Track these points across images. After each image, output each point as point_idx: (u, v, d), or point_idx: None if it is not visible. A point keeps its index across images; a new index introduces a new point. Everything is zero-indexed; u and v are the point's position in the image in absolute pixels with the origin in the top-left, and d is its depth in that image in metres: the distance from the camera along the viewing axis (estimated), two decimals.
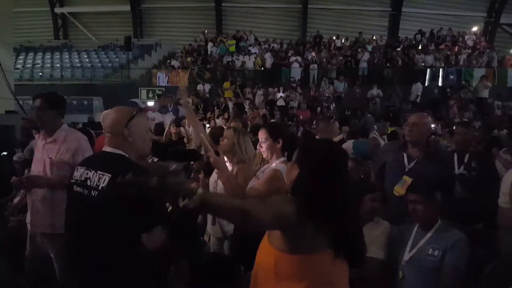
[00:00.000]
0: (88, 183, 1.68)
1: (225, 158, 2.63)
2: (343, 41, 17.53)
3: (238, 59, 16.32)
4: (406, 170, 2.83)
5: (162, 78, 16.20)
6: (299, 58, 16.04)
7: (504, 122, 10.61)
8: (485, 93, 13.08)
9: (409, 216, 2.35)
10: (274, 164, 2.46)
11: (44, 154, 2.63)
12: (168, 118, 10.32)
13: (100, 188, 1.63)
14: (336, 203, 1.36)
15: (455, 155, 3.51)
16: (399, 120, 10.15)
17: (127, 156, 1.74)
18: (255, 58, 16.33)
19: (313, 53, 16.24)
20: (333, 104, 13.10)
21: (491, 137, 6.28)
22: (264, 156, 2.57)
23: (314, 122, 10.95)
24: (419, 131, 2.90)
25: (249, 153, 2.69)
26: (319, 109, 13.02)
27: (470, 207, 3.05)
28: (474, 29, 18.10)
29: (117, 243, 1.58)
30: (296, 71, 15.60)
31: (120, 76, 17.60)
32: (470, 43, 16.74)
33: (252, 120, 9.95)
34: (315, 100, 13.81)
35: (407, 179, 2.73)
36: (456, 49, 15.92)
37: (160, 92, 14.68)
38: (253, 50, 16.94)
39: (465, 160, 3.43)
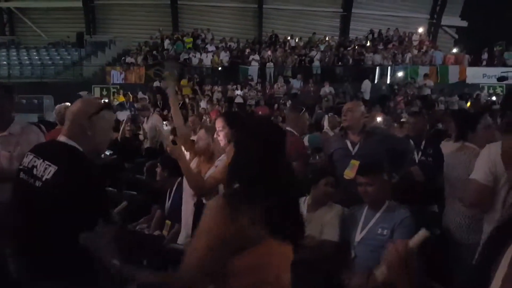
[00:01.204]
0: (34, 171, 1.58)
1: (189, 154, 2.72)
2: (297, 40, 18.05)
3: (195, 57, 16.34)
4: (353, 154, 3.03)
5: (116, 76, 15.84)
6: (257, 57, 16.35)
7: (446, 115, 11.53)
8: (427, 90, 14.06)
9: (359, 198, 2.49)
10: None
11: None
12: (124, 116, 10.21)
13: (44, 179, 1.54)
14: (277, 182, 1.31)
15: (411, 141, 3.69)
16: None
17: (81, 149, 1.63)
18: (212, 56, 16.43)
19: (269, 52, 16.61)
20: (289, 101, 13.48)
21: (435, 130, 6.83)
22: (222, 144, 2.58)
23: (272, 118, 11.35)
24: (352, 116, 3.11)
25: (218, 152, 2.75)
26: (276, 106, 13.37)
27: (428, 191, 3.33)
28: (420, 30, 19.29)
29: (56, 238, 1.48)
30: (253, 70, 15.87)
31: (72, 74, 16.98)
32: (415, 43, 17.83)
33: (212, 116, 10.13)
34: (272, 97, 14.15)
35: (355, 163, 2.89)
36: (401, 49, 16.86)
37: (115, 90, 14.42)
38: (210, 48, 17.02)
39: (421, 147, 3.68)
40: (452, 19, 20.94)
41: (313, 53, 16.35)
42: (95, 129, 1.65)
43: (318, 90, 14.14)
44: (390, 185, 2.54)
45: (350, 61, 16.08)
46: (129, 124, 6.33)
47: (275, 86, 14.87)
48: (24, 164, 1.66)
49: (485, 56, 16.40)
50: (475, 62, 16.34)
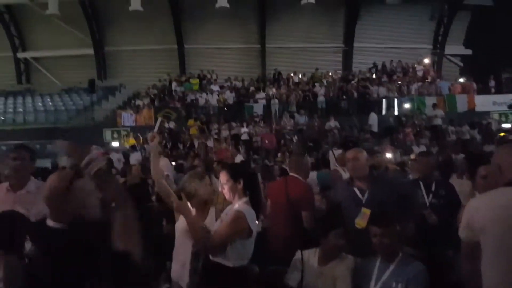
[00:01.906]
0: None
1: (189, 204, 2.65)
2: (300, 76, 18.38)
3: (201, 97, 16.71)
4: (363, 202, 2.98)
5: (127, 118, 16.21)
6: (262, 94, 16.63)
7: (458, 146, 11.34)
8: (437, 120, 13.93)
9: (370, 247, 2.43)
10: (236, 205, 2.46)
11: (14, 206, 2.46)
12: (135, 158, 10.37)
13: None
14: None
15: (421, 184, 3.62)
16: None
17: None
18: (218, 95, 16.78)
19: (274, 89, 16.89)
20: (295, 137, 13.52)
21: (445, 161, 6.66)
22: (227, 197, 2.55)
23: (279, 154, 11.35)
24: (357, 165, 3.10)
25: (204, 195, 2.73)
26: (282, 141, 13.41)
27: (441, 235, 3.23)
28: (426, 61, 19.37)
29: None
30: (258, 107, 16.09)
31: (84, 118, 17.48)
32: (420, 73, 17.91)
33: (219, 155, 10.19)
34: (278, 133, 14.22)
35: (366, 211, 2.86)
36: (406, 80, 16.94)
37: (126, 132, 14.69)
38: (216, 88, 17.42)
39: (433, 189, 3.55)
40: (456, 48, 21.11)
41: (317, 88, 16.56)
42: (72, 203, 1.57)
43: (323, 125, 14.17)
44: (404, 236, 2.50)
45: (355, 94, 16.17)
46: (138, 168, 6.34)
47: (281, 122, 14.99)
48: None
49: (492, 83, 16.36)
50: (483, 90, 16.27)
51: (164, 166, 6.83)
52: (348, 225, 2.81)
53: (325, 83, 17.04)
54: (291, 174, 3.83)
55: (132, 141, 13.42)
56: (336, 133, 13.30)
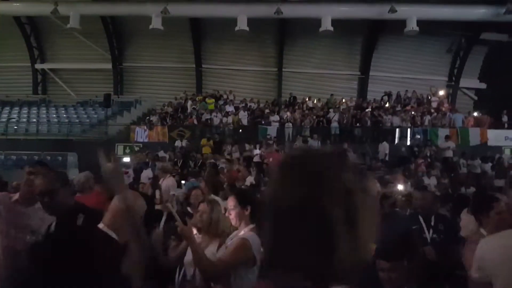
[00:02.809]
0: None
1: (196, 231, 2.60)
2: (315, 101, 18.50)
3: (216, 117, 16.85)
4: None
5: (140, 134, 16.36)
6: (276, 117, 16.72)
7: (469, 179, 11.21)
8: (449, 152, 13.83)
9: (375, 282, 2.36)
10: (242, 232, 2.41)
11: (27, 221, 2.60)
12: (145, 175, 10.32)
13: None
14: None
15: (421, 218, 3.62)
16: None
17: None
18: (233, 116, 16.92)
19: (288, 113, 16.98)
20: None
21: (459, 195, 6.59)
22: (233, 223, 2.52)
23: None
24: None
25: (225, 227, 2.65)
26: None
27: (441, 270, 3.18)
28: (441, 92, 19.41)
29: None
30: (272, 129, 16.15)
31: (97, 132, 17.69)
32: (434, 104, 17.90)
33: (230, 178, 10.15)
34: None
35: (371, 245, 2.83)
36: (421, 111, 16.92)
37: (137, 148, 14.79)
38: (230, 108, 17.59)
39: (432, 223, 3.55)
40: (471, 81, 21.15)
41: (331, 114, 16.61)
42: None
43: None
44: (410, 271, 2.37)
45: (368, 122, 16.17)
46: (148, 186, 6.33)
47: (294, 145, 14.97)
48: None
49: (505, 118, 16.26)
50: (496, 124, 16.16)
51: (170, 186, 6.82)
52: None
53: (339, 109, 17.09)
54: None
55: (142, 157, 13.35)
56: None
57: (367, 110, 17.08)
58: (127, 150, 15.08)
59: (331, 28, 17.07)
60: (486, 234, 2.56)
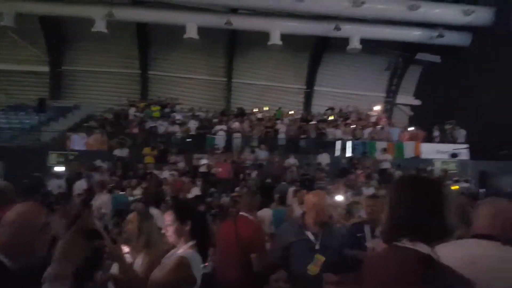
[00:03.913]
0: None
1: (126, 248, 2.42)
2: (263, 113, 18.73)
3: (162, 125, 16.36)
4: (317, 248, 2.86)
5: (77, 141, 15.31)
6: (225, 127, 16.63)
7: None
8: (386, 164, 14.59)
9: None
10: (181, 250, 2.23)
11: None
12: (79, 186, 9.59)
13: None
14: None
15: (366, 227, 3.62)
16: (313, 187, 10.82)
17: None
18: (179, 125, 16.54)
19: (237, 123, 16.97)
20: (255, 171, 13.50)
21: None
22: (171, 240, 2.31)
23: (237, 188, 11.19)
24: (324, 211, 3.01)
25: (155, 238, 2.50)
26: (241, 175, 13.32)
27: None
28: (375, 107, 20.66)
29: None
30: (220, 139, 16.01)
31: (29, 138, 16.31)
32: (373, 119, 18.88)
33: (173, 189, 9.81)
34: (238, 167, 14.13)
35: (320, 258, 2.77)
36: (360, 124, 17.75)
37: (73, 157, 13.86)
38: (178, 116, 17.20)
39: (377, 233, 3.52)
40: (406, 98, 22.66)
41: (279, 125, 16.88)
42: None
43: (282, 161, 14.33)
44: (356, 284, 2.43)
45: (313, 134, 16.64)
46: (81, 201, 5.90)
47: (241, 155, 14.95)
48: None
49: (436, 133, 17.50)
50: (428, 138, 17.35)
51: (103, 204, 6.42)
52: (300, 270, 2.71)
53: (286, 121, 17.43)
54: (241, 213, 3.67)
55: (78, 166, 12.48)
56: (294, 170, 13.45)
57: (312, 122, 17.57)
58: (61, 159, 14.02)
59: (280, 42, 17.45)
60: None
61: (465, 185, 12.96)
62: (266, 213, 6.36)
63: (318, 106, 21.22)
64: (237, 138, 16.22)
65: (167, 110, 17.99)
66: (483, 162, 14.74)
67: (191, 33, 17.07)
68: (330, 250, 2.85)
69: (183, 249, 2.22)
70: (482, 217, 1.92)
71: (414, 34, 18.30)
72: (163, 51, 20.23)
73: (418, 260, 1.33)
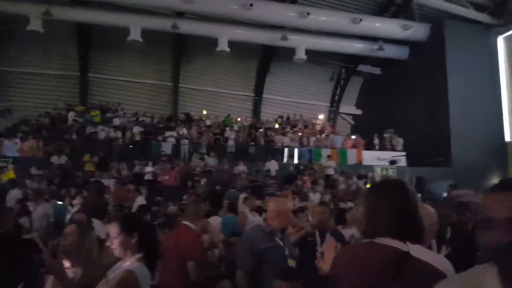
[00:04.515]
0: None
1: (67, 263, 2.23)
2: (212, 120, 18.59)
3: (103, 130, 15.57)
4: (287, 254, 2.89)
5: (9, 147, 14.09)
6: (174, 133, 16.21)
7: (348, 195, 12.33)
8: (330, 170, 15.12)
9: None
10: (127, 263, 2.11)
11: None
12: (13, 196, 8.82)
13: None
14: None
15: (316, 233, 3.68)
16: (263, 194, 10.87)
17: None
18: (123, 130, 15.86)
19: (184, 130, 16.64)
20: (204, 179, 13.28)
21: (339, 209, 7.14)
22: (116, 253, 2.18)
23: (185, 196, 10.93)
24: (289, 217, 3.07)
25: (96, 252, 2.36)
26: (189, 183, 13.05)
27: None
28: (321, 116, 21.41)
29: None
30: (167, 146, 15.58)
31: None
32: (318, 127, 19.53)
33: (117, 199, 9.31)
34: (186, 174, 13.83)
35: (293, 263, 2.84)
36: (307, 132, 18.26)
37: (5, 164, 12.73)
38: (120, 122, 16.49)
39: (326, 238, 3.61)
40: (349, 108, 23.73)
41: (228, 132, 16.83)
42: None
43: (232, 169, 14.27)
44: None
45: (262, 141, 16.81)
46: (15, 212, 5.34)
47: (190, 163, 14.66)
48: None
49: (377, 141, 18.50)
50: (369, 146, 18.29)
51: (42, 214, 5.91)
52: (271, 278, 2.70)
53: (235, 128, 17.43)
54: (183, 222, 3.70)
55: (11, 174, 11.56)
56: (244, 177, 13.44)
57: (260, 130, 17.75)
58: None
59: (228, 49, 17.46)
60: None
61: None
62: (215, 221, 6.27)
63: (267, 114, 21.54)
64: (184, 144, 15.89)
65: (108, 115, 17.16)
66: (419, 168, 15.78)
67: (135, 35, 16.48)
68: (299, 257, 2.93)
69: (130, 262, 2.11)
70: None
71: (356, 47, 19.26)
72: (106, 53, 19.33)
73: (396, 255, 1.42)
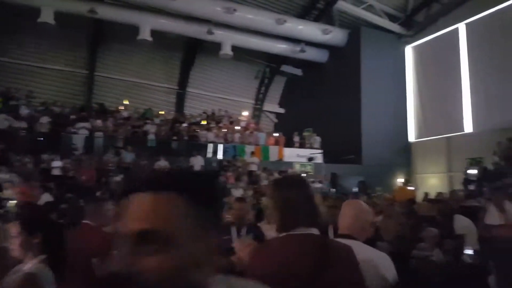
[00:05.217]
0: None
1: None
2: (131, 112, 17.64)
3: (7, 120, 13.83)
4: None
5: None
6: (87, 125, 15.02)
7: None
8: (254, 166, 15.40)
9: None
10: (29, 265, 1.95)
11: None
12: None
13: None
14: None
15: (233, 229, 3.69)
16: None
17: None
18: (29, 120, 14.28)
19: (99, 121, 15.54)
20: (120, 175, 12.56)
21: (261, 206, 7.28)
22: (15, 255, 2.03)
23: (98, 193, 10.20)
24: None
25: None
26: (104, 179, 12.25)
27: None
28: (245, 112, 21.67)
29: None
30: (79, 138, 14.41)
31: None
32: (242, 124, 19.72)
33: (20, 196, 8.36)
34: (100, 170, 12.94)
35: None
36: (231, 128, 18.33)
37: None
38: (26, 111, 14.82)
39: (243, 233, 3.66)
40: (272, 106, 24.35)
41: (148, 126, 16.11)
42: None
43: (152, 164, 13.71)
44: None
45: (185, 136, 16.44)
46: None
47: (104, 157, 13.74)
48: None
49: (297, 139, 19.29)
50: (290, 143, 19.00)
51: None
52: None
53: (157, 122, 16.75)
54: (83, 221, 3.66)
55: None
56: None
57: (184, 124, 17.34)
58: None
59: (150, 39, 16.75)
60: None
61: (319, 185, 14.67)
62: None
63: (191, 108, 21.11)
64: (98, 137, 14.86)
65: (12, 102, 15.32)
66: (334, 165, 16.84)
67: (46, 17, 14.97)
68: None
69: (31, 265, 1.95)
70: (345, 217, 2.11)
71: (280, 47, 19.83)
72: (11, 35, 17.21)
73: (314, 241, 1.55)
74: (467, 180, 13.95)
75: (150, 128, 15.98)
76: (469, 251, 4.14)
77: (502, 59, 15.49)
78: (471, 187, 13.17)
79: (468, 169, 14.45)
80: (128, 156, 14.05)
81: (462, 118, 17.10)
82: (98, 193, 10.11)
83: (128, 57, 19.75)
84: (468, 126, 16.96)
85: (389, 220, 5.12)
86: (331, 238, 1.67)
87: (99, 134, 14.92)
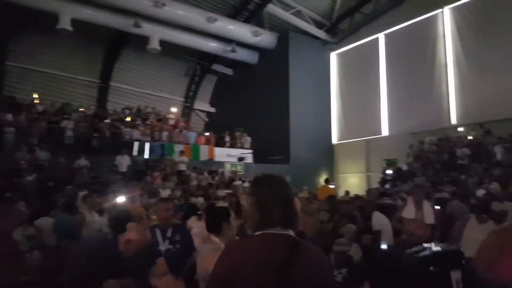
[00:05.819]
0: None
1: None
2: (45, 105, 16.10)
3: None
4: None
5: None
6: None
7: (199, 190, 12.43)
8: (183, 166, 15.00)
9: None
10: None
11: None
12: None
13: None
14: None
15: (157, 230, 3.63)
16: (105, 191, 9.98)
17: None
18: None
19: (10, 115, 13.95)
20: (34, 174, 11.40)
21: (189, 205, 7.08)
22: None
23: (8, 194, 9.12)
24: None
25: None
26: (15, 179, 11.00)
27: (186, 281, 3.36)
28: (174, 110, 21.09)
29: None
30: None
31: None
32: (171, 122, 19.12)
33: None
34: (11, 169, 11.60)
35: None
36: (159, 126, 17.67)
37: None
38: None
39: (168, 235, 3.61)
40: (203, 105, 24.10)
41: (66, 122, 14.84)
42: None
43: (70, 163, 12.67)
44: None
45: (107, 133, 15.46)
46: None
47: (16, 155, 12.36)
48: None
49: (227, 138, 19.28)
50: (220, 143, 18.92)
51: None
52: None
53: (75, 117, 15.48)
54: None
55: None
56: (85, 173, 12.11)
57: (106, 121, 16.29)
58: None
59: (71, 28, 15.51)
60: (219, 241, 2.76)
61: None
62: (44, 222, 5.52)
63: (114, 104, 19.91)
64: (9, 133, 13.35)
65: None
66: (263, 165, 17.15)
67: None
68: None
69: None
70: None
71: (211, 45, 19.68)
72: None
73: (287, 240, 1.59)
74: (384, 180, 15.16)
75: (68, 124, 14.74)
76: (384, 246, 4.44)
77: (413, 69, 17.09)
78: (387, 186, 14.34)
79: (386, 169, 15.70)
80: (43, 154, 12.84)
81: (380, 122, 18.54)
82: (8, 194, 9.13)
83: (46, 47, 18.07)
84: (385, 130, 18.43)
85: (308, 218, 5.33)
86: (304, 241, 1.66)
87: (9, 129, 13.40)
